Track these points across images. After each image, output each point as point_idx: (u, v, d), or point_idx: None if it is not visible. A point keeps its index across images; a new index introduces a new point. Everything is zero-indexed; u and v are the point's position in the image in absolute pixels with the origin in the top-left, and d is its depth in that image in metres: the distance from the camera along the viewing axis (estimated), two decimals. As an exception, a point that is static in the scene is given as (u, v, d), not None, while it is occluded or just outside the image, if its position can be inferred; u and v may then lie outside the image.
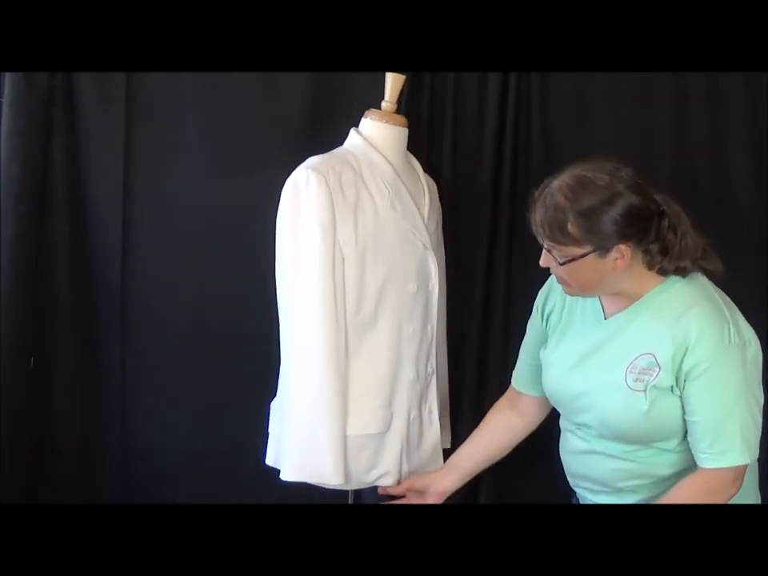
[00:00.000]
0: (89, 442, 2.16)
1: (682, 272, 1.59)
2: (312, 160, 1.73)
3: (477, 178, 2.08)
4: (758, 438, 1.56)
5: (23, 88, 1.99)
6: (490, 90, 2.09)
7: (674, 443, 1.60)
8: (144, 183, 2.10)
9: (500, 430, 1.85)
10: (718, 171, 2.16)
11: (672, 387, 1.55)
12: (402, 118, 1.86)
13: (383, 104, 1.85)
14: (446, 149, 2.11)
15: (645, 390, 1.55)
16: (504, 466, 2.16)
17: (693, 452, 1.57)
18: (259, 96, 2.08)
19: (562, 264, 1.55)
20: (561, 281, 1.62)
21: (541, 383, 1.77)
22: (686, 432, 1.58)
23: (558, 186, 1.53)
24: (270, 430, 1.83)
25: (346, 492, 1.90)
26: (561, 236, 1.52)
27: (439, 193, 1.96)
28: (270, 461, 1.80)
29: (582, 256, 1.53)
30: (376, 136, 1.82)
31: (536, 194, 1.56)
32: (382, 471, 1.78)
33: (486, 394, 2.10)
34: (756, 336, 1.58)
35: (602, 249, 1.52)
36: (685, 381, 1.54)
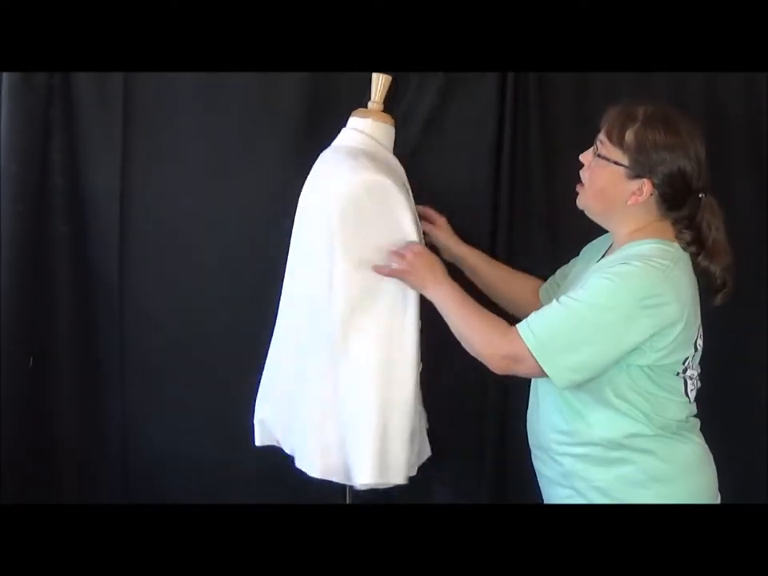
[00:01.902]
0: (89, 442, 2.16)
1: (709, 275, 1.62)
2: (369, 164, 1.72)
3: (477, 177, 2.08)
4: (552, 340, 1.54)
5: (22, 88, 1.98)
6: (489, 90, 2.09)
7: (606, 393, 1.59)
8: (142, 183, 2.10)
9: (512, 277, 1.93)
10: (718, 171, 2.15)
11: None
12: (390, 117, 1.88)
13: (370, 104, 1.86)
14: (446, 149, 2.11)
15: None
16: (506, 464, 2.18)
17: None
18: (258, 96, 2.08)
19: (597, 155, 1.61)
20: (580, 187, 1.67)
21: None
22: (614, 377, 1.58)
23: (645, 103, 1.61)
24: (314, 436, 1.77)
25: (344, 492, 1.90)
26: (615, 136, 1.59)
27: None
28: (315, 472, 1.75)
29: (615, 162, 1.59)
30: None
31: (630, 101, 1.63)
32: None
33: (486, 393, 2.10)
34: (681, 313, 1.56)
35: (634, 171, 1.58)
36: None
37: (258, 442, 1.88)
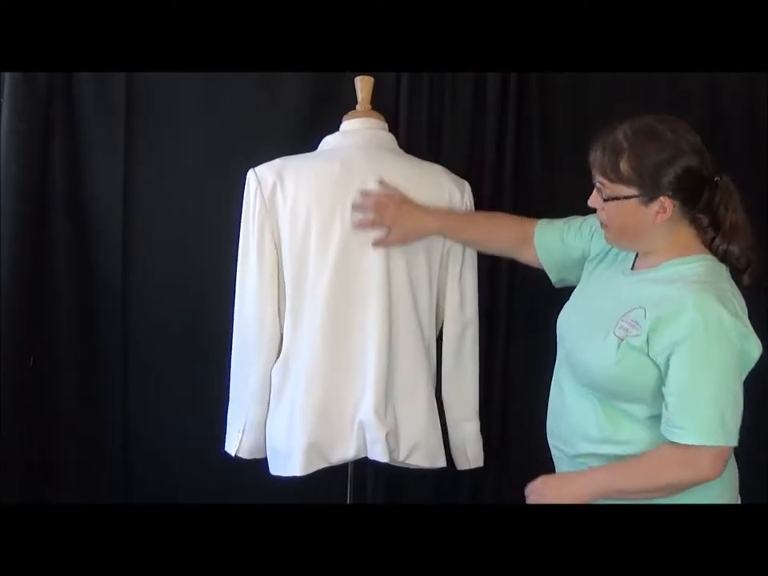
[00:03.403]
0: (89, 442, 2.16)
1: (730, 257, 1.60)
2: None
3: (477, 177, 2.08)
4: (738, 427, 1.54)
5: (23, 88, 1.99)
6: (490, 90, 2.09)
7: (641, 412, 1.59)
8: (143, 183, 2.10)
9: (498, 226, 1.89)
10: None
11: (645, 347, 1.55)
12: (377, 114, 1.92)
13: (358, 107, 1.91)
14: (447, 149, 2.11)
15: (622, 341, 1.56)
16: (504, 465, 2.17)
17: (667, 429, 1.55)
18: (258, 97, 2.08)
19: (605, 200, 1.58)
20: (602, 225, 1.64)
21: (549, 253, 1.82)
22: (655, 402, 1.57)
23: (623, 127, 1.57)
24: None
25: (345, 493, 1.90)
26: (612, 173, 1.55)
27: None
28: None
29: (626, 197, 1.55)
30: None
31: (601, 133, 1.59)
32: None
33: (486, 393, 2.10)
34: (758, 340, 1.56)
35: (647, 196, 1.54)
36: (670, 354, 1.53)
37: (304, 471, 1.80)
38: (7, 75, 1.98)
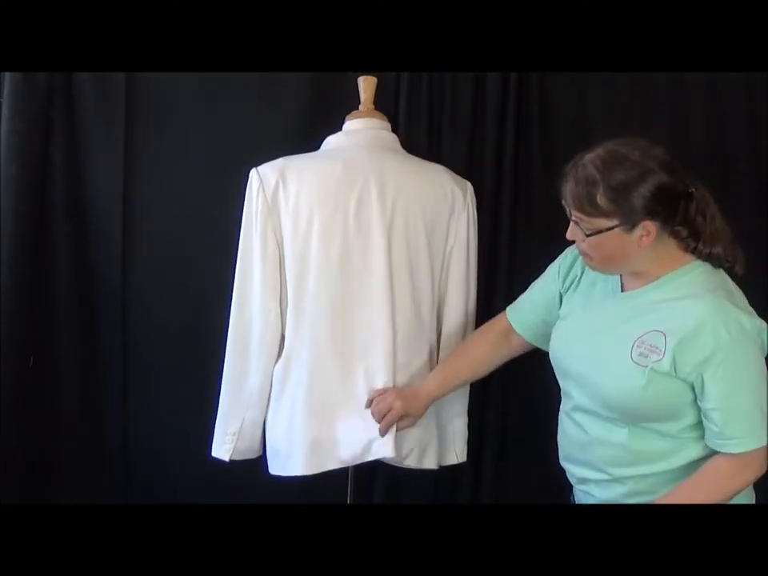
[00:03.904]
0: (89, 442, 2.16)
1: (715, 259, 1.60)
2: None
3: (477, 177, 2.08)
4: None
5: (23, 88, 1.99)
6: (489, 90, 2.09)
7: (673, 427, 1.59)
8: (144, 183, 2.10)
9: (484, 351, 1.87)
10: (718, 170, 2.15)
11: (672, 371, 1.55)
12: (380, 114, 1.93)
13: (360, 107, 1.92)
14: (447, 149, 2.11)
15: (646, 367, 1.55)
16: (504, 464, 2.17)
17: (712, 440, 1.56)
18: (259, 96, 2.09)
19: (588, 236, 1.56)
20: (584, 255, 1.63)
21: (534, 329, 1.80)
22: (686, 415, 1.57)
23: (590, 158, 1.55)
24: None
25: (345, 493, 1.90)
26: (589, 207, 1.53)
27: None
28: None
29: (608, 229, 1.54)
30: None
31: (568, 166, 1.58)
32: None
33: (485, 392, 2.10)
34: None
35: (628, 224, 1.53)
36: (700, 372, 1.53)
37: (305, 471, 1.81)
38: (7, 75, 1.98)
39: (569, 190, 1.56)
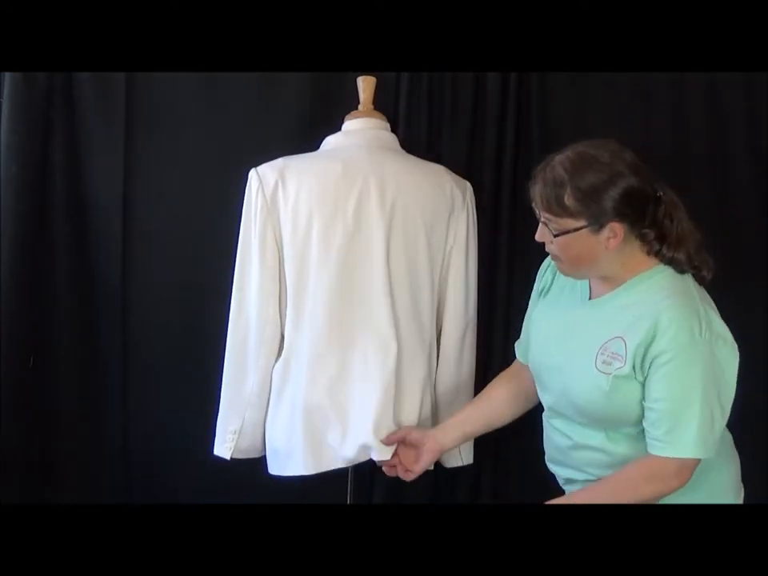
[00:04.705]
0: (89, 442, 2.16)
1: (678, 263, 1.60)
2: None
3: (477, 177, 2.08)
4: (716, 438, 1.55)
5: (23, 88, 1.99)
6: (489, 90, 2.09)
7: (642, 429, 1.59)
8: (144, 183, 2.10)
9: (502, 398, 1.86)
10: (718, 170, 2.16)
11: (633, 375, 1.55)
12: (379, 114, 1.93)
13: (360, 107, 1.92)
14: (447, 149, 2.11)
15: (610, 375, 1.57)
16: (503, 464, 2.17)
17: (647, 438, 1.56)
18: (259, 96, 2.08)
19: (555, 236, 1.57)
20: (554, 257, 1.64)
21: None
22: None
23: (559, 159, 1.56)
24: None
25: (345, 493, 1.90)
26: (557, 207, 1.54)
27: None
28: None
29: (576, 230, 1.54)
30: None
31: (538, 167, 1.58)
32: None
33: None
34: (733, 339, 1.56)
35: (596, 225, 1.54)
36: (649, 368, 1.54)
37: (305, 471, 1.81)
38: (7, 75, 1.98)
39: (537, 191, 1.57)
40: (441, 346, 1.93)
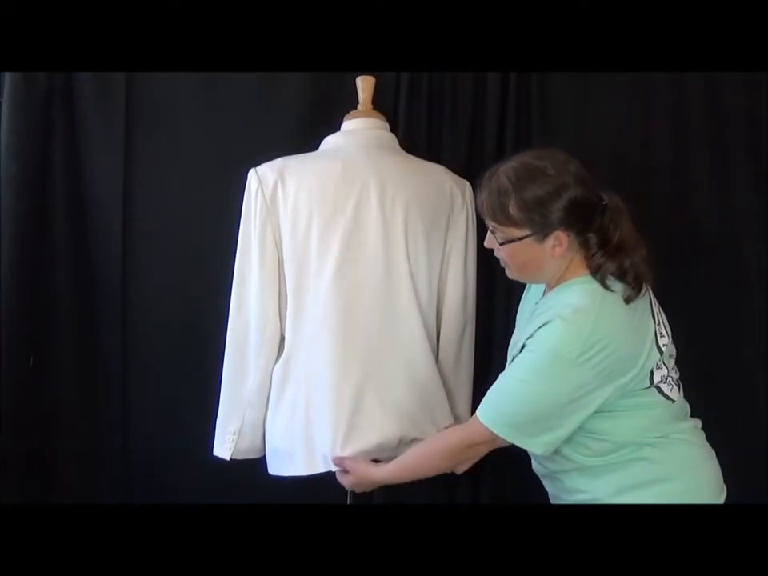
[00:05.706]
0: (89, 442, 2.16)
1: (605, 273, 1.57)
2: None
3: (477, 177, 2.08)
4: (523, 430, 1.56)
5: (23, 88, 1.99)
6: (490, 90, 2.09)
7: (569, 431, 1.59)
8: (144, 183, 2.10)
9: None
10: (717, 170, 2.16)
11: None
12: (378, 114, 1.93)
13: (359, 106, 1.91)
14: (447, 149, 2.11)
15: None
16: (503, 465, 2.17)
17: None
18: (259, 96, 2.09)
19: (501, 244, 1.60)
20: (503, 263, 1.66)
21: None
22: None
23: (504, 169, 1.57)
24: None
25: (344, 492, 1.90)
26: (501, 216, 1.56)
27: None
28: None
29: (521, 238, 1.56)
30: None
31: (485, 177, 1.60)
32: None
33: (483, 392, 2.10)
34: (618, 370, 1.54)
35: (540, 234, 1.55)
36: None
37: (305, 471, 1.80)
38: (7, 75, 1.98)
39: (483, 199, 1.59)
40: (440, 346, 1.93)
